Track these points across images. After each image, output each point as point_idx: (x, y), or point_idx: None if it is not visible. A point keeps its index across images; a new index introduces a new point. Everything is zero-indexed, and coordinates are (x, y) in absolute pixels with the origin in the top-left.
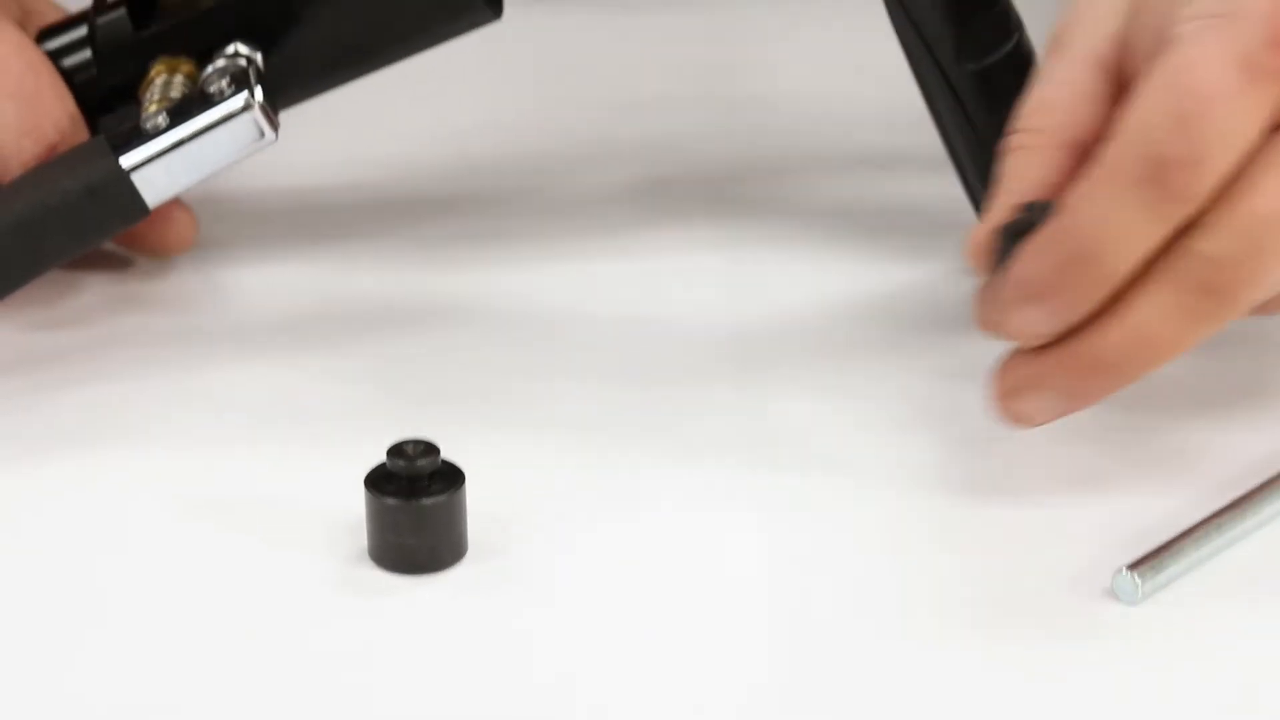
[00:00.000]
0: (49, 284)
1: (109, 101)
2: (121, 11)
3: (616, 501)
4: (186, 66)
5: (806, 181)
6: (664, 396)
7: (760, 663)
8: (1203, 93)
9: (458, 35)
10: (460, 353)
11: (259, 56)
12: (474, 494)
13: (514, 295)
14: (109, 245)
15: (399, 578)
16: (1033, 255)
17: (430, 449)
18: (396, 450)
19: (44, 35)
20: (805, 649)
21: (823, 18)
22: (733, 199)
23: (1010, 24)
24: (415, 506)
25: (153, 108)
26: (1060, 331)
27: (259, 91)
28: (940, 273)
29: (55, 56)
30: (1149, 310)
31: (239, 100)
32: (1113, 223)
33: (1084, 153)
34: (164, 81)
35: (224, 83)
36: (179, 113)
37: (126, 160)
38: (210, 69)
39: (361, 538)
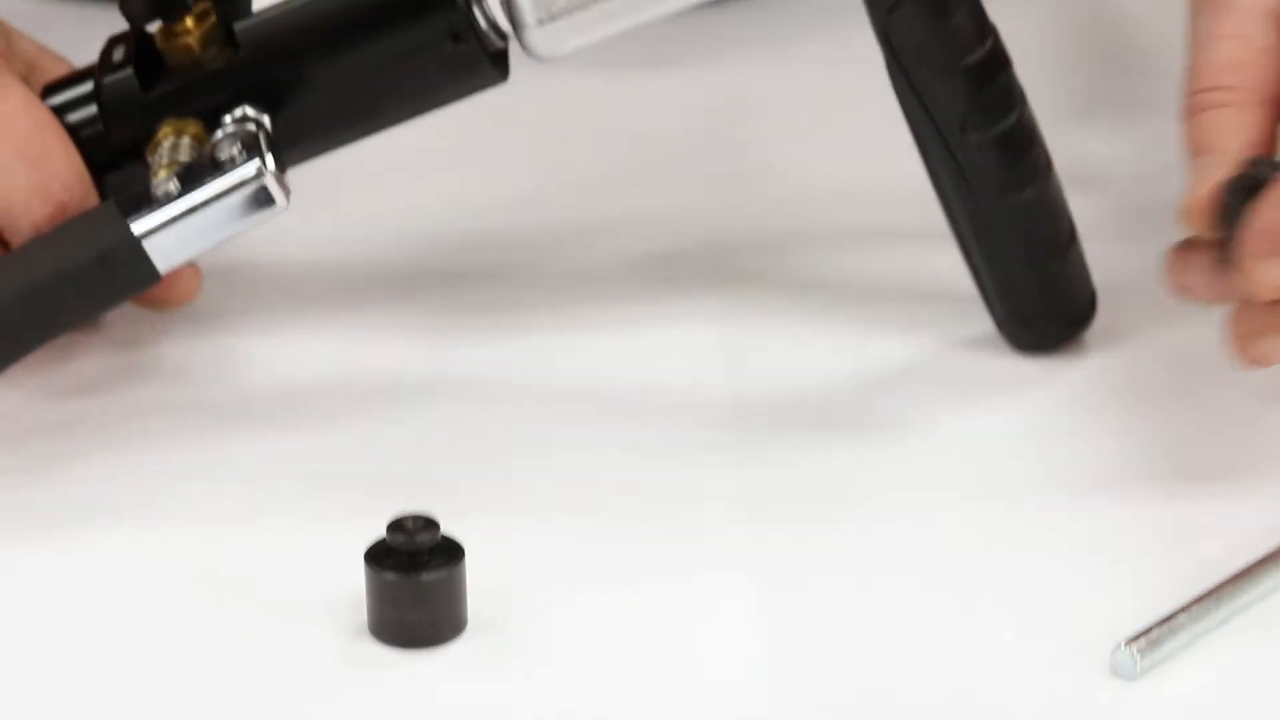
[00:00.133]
0: (56, 350)
1: (115, 159)
2: (129, 72)
3: (616, 576)
4: (194, 128)
5: (807, 253)
6: (663, 470)
7: None
8: None
9: (465, 97)
10: (460, 426)
11: (267, 119)
12: (473, 568)
13: (514, 367)
14: None
15: (399, 652)
16: (1274, 209)
17: (430, 524)
18: (396, 525)
19: (49, 90)
20: None
21: (827, 87)
22: (733, 270)
23: (1014, 96)
24: (415, 582)
25: (162, 172)
26: None
27: (270, 159)
28: (941, 344)
29: (61, 113)
30: None
31: (251, 168)
32: None
33: (1276, 107)
34: (171, 144)
35: (235, 149)
36: (190, 179)
37: (138, 227)
38: (220, 134)
39: (362, 612)
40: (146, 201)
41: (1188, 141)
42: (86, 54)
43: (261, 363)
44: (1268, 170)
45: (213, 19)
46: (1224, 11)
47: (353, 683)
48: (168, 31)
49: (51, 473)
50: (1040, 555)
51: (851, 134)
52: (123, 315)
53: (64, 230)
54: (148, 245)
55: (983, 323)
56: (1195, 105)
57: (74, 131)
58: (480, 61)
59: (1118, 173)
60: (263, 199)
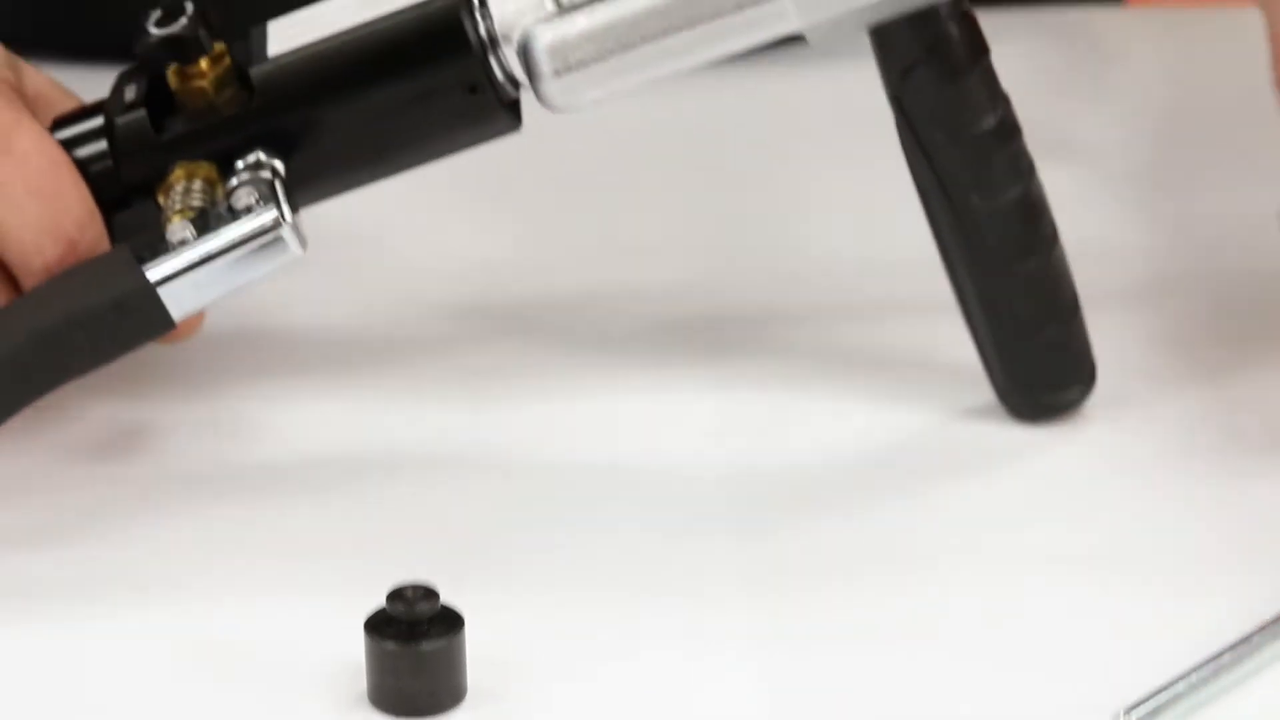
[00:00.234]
0: (54, 410)
1: (125, 198)
2: (142, 113)
3: (615, 647)
4: (207, 170)
5: (806, 321)
6: (662, 541)
7: None
8: None
9: (478, 144)
10: (459, 495)
11: (280, 165)
12: (473, 638)
13: (513, 436)
14: None
15: None
16: None
17: (430, 594)
18: (396, 595)
19: (60, 124)
20: None
21: (833, 151)
22: (734, 339)
23: (1023, 166)
24: (414, 651)
25: (176, 218)
26: None
27: (287, 207)
28: (941, 413)
29: (73, 149)
30: None
31: (269, 216)
32: None
33: None
34: (184, 187)
35: (252, 197)
36: (205, 225)
37: (154, 274)
38: (236, 180)
39: (362, 681)
40: (160, 245)
41: None
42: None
43: (260, 429)
44: None
45: (227, 61)
46: None
47: None
48: (182, 73)
49: (47, 539)
50: (1041, 625)
51: (854, 201)
52: (123, 375)
53: (78, 275)
54: (163, 292)
55: (983, 392)
56: None
57: (85, 169)
58: (496, 111)
59: (1120, 244)
60: (280, 248)
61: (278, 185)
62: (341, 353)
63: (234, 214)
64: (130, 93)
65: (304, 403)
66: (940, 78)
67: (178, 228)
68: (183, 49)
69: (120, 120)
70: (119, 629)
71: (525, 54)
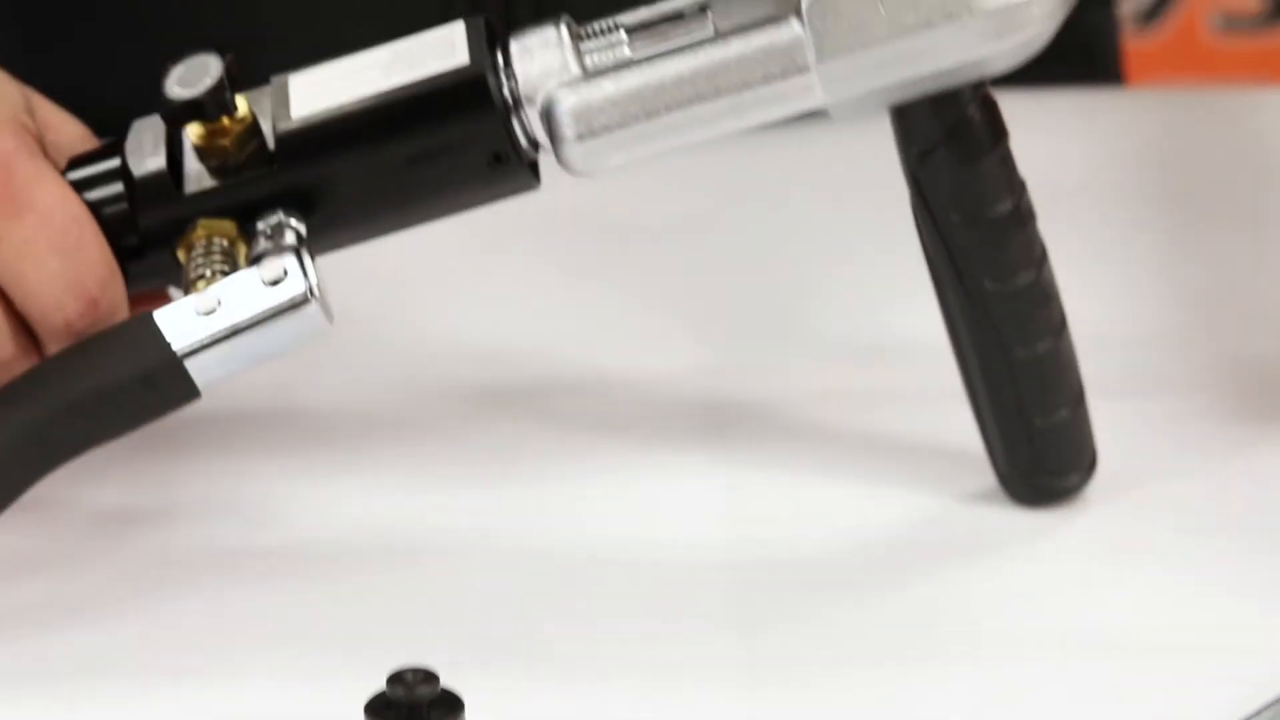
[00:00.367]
0: (74, 488)
1: (141, 247)
2: (163, 168)
3: None
4: (228, 229)
5: (812, 407)
6: (664, 627)
7: None
8: None
9: (498, 200)
10: (459, 579)
11: (303, 227)
12: None
13: (514, 520)
14: None
15: None
16: None
17: (430, 677)
18: (396, 678)
19: (74, 165)
20: None
21: (841, 231)
22: (739, 425)
23: (1036, 251)
24: None
25: (201, 284)
26: None
27: (315, 280)
28: (941, 498)
29: (89, 195)
30: None
31: (299, 290)
32: None
33: None
34: (205, 247)
35: (280, 268)
36: (234, 294)
37: (180, 346)
38: (260, 245)
39: None
40: (189, 317)
41: None
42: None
43: (265, 510)
44: None
45: (250, 119)
46: None
47: None
48: (205, 130)
49: (57, 618)
50: (1046, 709)
51: (861, 282)
52: (135, 453)
53: (103, 345)
54: (190, 364)
55: (984, 475)
56: None
57: (102, 218)
58: (517, 173)
59: (1122, 329)
60: (309, 321)
61: (304, 255)
62: (349, 433)
63: (262, 284)
64: (149, 144)
65: (308, 483)
66: (959, 161)
67: (205, 298)
68: (207, 111)
69: (140, 174)
70: (124, 710)
71: (549, 117)
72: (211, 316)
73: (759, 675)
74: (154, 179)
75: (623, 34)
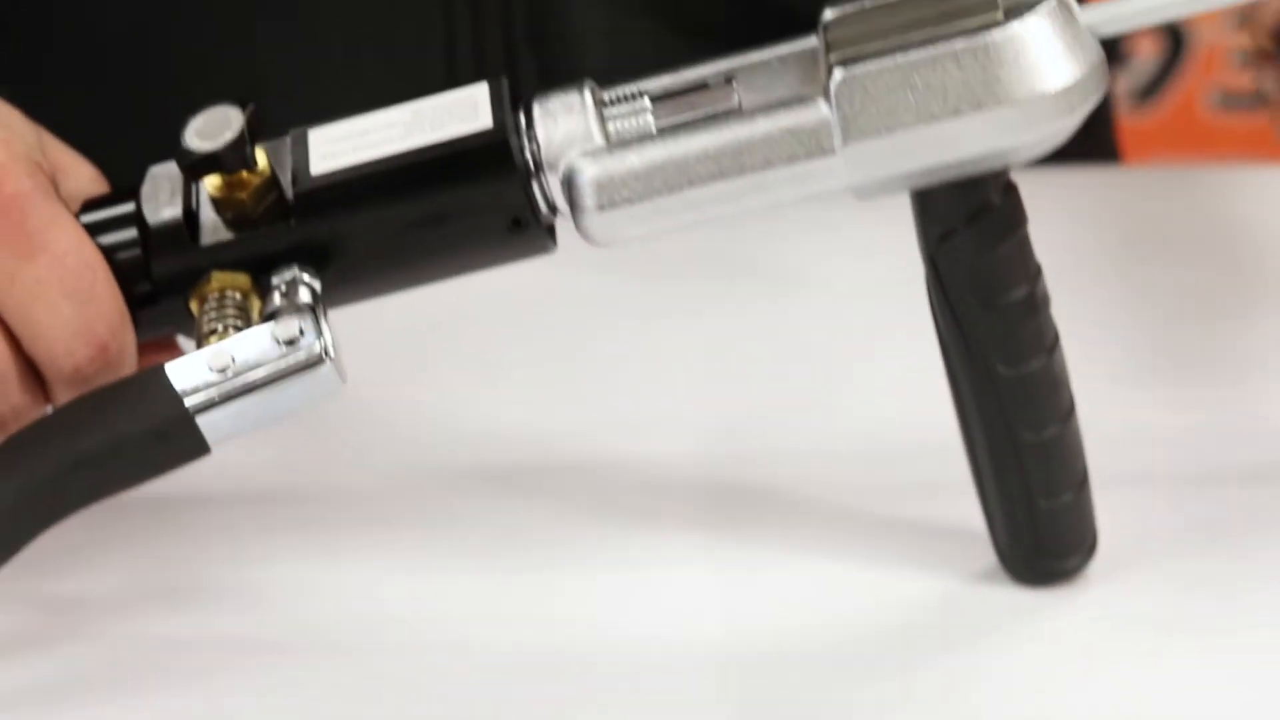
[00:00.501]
0: (67, 568)
1: (153, 295)
2: (179, 219)
3: None
4: (243, 282)
5: (804, 486)
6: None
7: None
8: None
9: (515, 261)
10: (456, 665)
11: (318, 284)
12: None
13: (510, 607)
14: None
15: None
16: None
17: None
18: None
19: (89, 208)
20: None
21: (849, 312)
22: (736, 510)
23: (1049, 337)
24: None
25: (214, 338)
26: None
27: (331, 341)
28: (941, 578)
29: (102, 242)
30: None
31: (314, 350)
32: None
33: None
34: (218, 299)
35: (296, 327)
36: (248, 352)
37: (193, 402)
38: (275, 302)
39: None
40: (201, 372)
41: None
42: None
43: (258, 595)
44: None
45: (269, 173)
46: None
47: None
48: (223, 182)
49: (40, 702)
50: None
51: (860, 367)
52: (131, 531)
53: (114, 397)
54: (201, 421)
55: (984, 556)
56: None
57: (114, 264)
58: (535, 236)
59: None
60: (324, 382)
61: (319, 315)
62: (345, 515)
63: (277, 343)
64: (165, 192)
65: (304, 566)
66: (979, 245)
67: (218, 354)
68: (226, 164)
69: (155, 222)
70: None
71: (570, 185)
72: (225, 373)
73: None
74: (169, 228)
75: (646, 101)
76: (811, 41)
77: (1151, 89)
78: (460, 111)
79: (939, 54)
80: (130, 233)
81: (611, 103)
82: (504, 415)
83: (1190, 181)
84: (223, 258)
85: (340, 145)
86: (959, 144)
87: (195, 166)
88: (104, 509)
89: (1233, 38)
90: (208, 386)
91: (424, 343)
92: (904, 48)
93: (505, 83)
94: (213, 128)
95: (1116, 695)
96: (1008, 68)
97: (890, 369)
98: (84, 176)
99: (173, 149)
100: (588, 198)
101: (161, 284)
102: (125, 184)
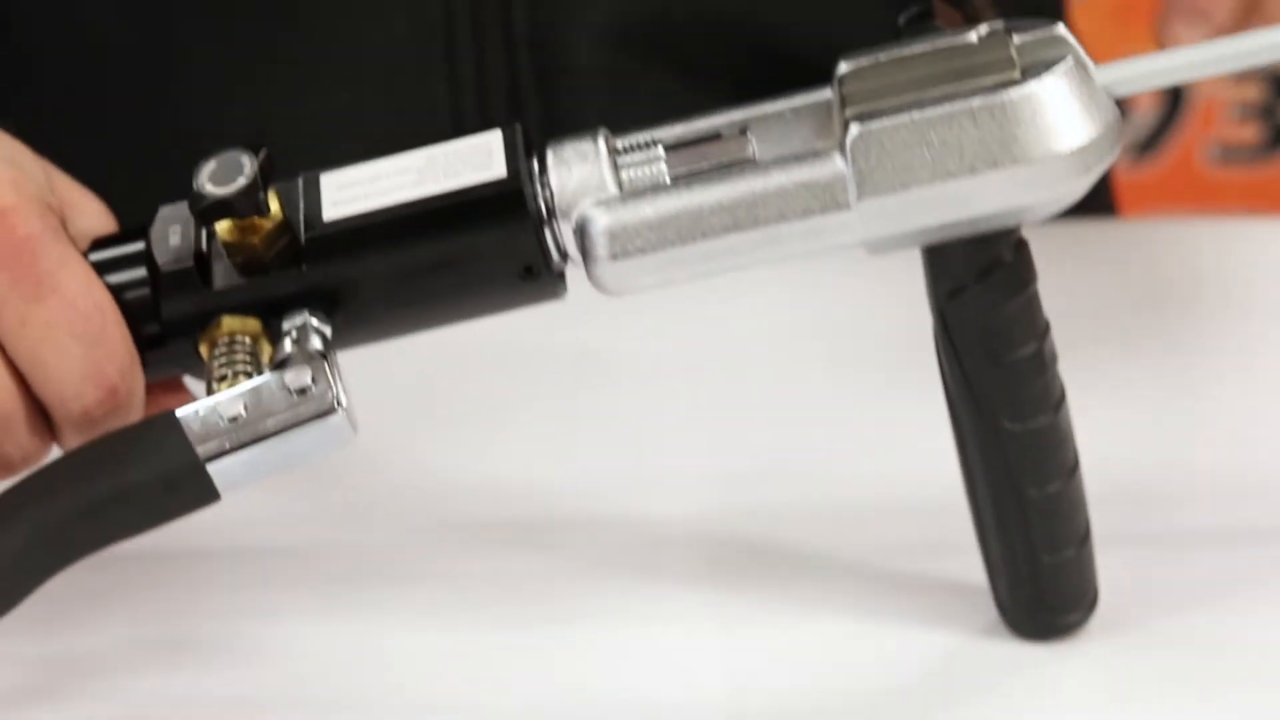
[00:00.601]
0: (60, 622)
1: (161, 337)
2: (190, 264)
3: None
4: (252, 324)
5: (804, 543)
6: None
7: None
8: None
9: (525, 306)
10: None
11: (329, 330)
12: None
13: (509, 662)
14: None
15: None
16: None
17: None
18: None
19: (97, 246)
20: None
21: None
22: (738, 566)
23: (1055, 394)
24: None
25: (224, 384)
26: None
27: (343, 392)
28: (942, 633)
29: (113, 285)
30: None
31: (326, 401)
32: None
33: None
34: (228, 343)
35: (308, 376)
36: (259, 400)
37: (204, 450)
38: (287, 349)
39: None
40: (213, 420)
41: None
42: None
43: (256, 650)
44: None
45: (281, 217)
46: None
47: None
48: (234, 226)
49: None
50: None
51: (861, 423)
52: (130, 587)
53: (124, 442)
54: (212, 469)
55: (985, 610)
56: None
57: (124, 305)
58: (547, 283)
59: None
60: (335, 432)
61: (331, 364)
62: (344, 571)
63: (288, 392)
64: (176, 234)
65: (302, 620)
66: (988, 302)
67: (230, 402)
68: (238, 210)
69: (165, 265)
70: None
71: (582, 234)
72: (236, 422)
73: None
74: (180, 271)
75: (660, 150)
76: (825, 93)
77: (1150, 143)
78: (474, 159)
79: (956, 111)
80: (140, 274)
81: (625, 151)
82: (505, 471)
83: (1189, 234)
84: (233, 301)
85: (353, 191)
86: (974, 202)
87: (208, 212)
88: (103, 561)
89: (1231, 92)
90: (219, 435)
91: (426, 398)
92: (920, 104)
93: (519, 130)
94: (226, 172)
95: None
96: (1024, 126)
97: (891, 426)
98: (92, 212)
99: (179, 191)
100: (600, 247)
101: (171, 326)
102: (134, 223)
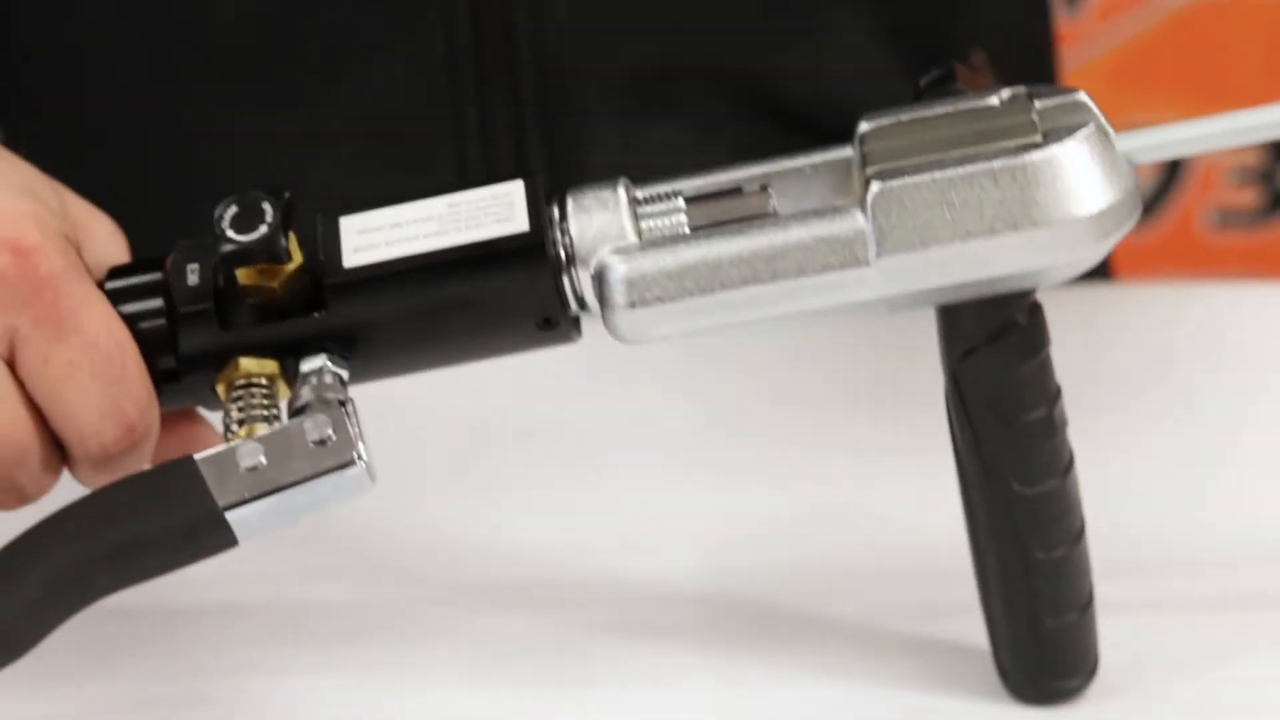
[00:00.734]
0: (64, 682)
1: (177, 373)
2: (209, 305)
3: None
4: (270, 366)
5: (803, 605)
6: None
7: None
8: None
9: (540, 349)
10: None
11: (346, 374)
12: None
13: None
14: None
15: None
16: None
17: None
18: None
19: (115, 275)
20: None
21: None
22: (734, 630)
23: (1064, 459)
24: None
25: (242, 430)
26: None
27: (362, 444)
28: (942, 697)
29: (131, 321)
30: None
31: (345, 454)
32: None
33: None
34: (246, 386)
35: (328, 428)
36: (279, 450)
37: (224, 499)
38: (305, 396)
39: None
40: (232, 469)
41: None
42: None
43: (249, 707)
44: None
45: (300, 261)
46: None
47: None
48: (254, 271)
49: None
50: None
51: (863, 484)
52: (121, 646)
53: (144, 489)
54: (231, 517)
55: (986, 673)
56: None
57: (141, 342)
58: (563, 332)
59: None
60: (354, 482)
61: (350, 412)
62: (338, 628)
63: (309, 443)
64: (194, 275)
65: (294, 678)
66: (1001, 364)
67: (249, 451)
68: (260, 259)
69: (184, 305)
70: None
71: (601, 281)
72: (256, 471)
73: None
74: (198, 311)
75: (680, 201)
76: (845, 151)
77: (1149, 207)
78: (496, 210)
79: (977, 172)
80: (159, 314)
81: (645, 201)
82: (506, 532)
83: (1188, 298)
84: (251, 342)
85: (373, 237)
86: (993, 262)
87: (230, 259)
88: (109, 616)
89: (1230, 157)
90: (239, 484)
91: (428, 459)
92: (942, 164)
93: (541, 180)
94: (248, 219)
95: None
96: (1045, 189)
97: (891, 486)
98: (104, 234)
99: (182, 229)
100: (618, 295)
101: (187, 363)
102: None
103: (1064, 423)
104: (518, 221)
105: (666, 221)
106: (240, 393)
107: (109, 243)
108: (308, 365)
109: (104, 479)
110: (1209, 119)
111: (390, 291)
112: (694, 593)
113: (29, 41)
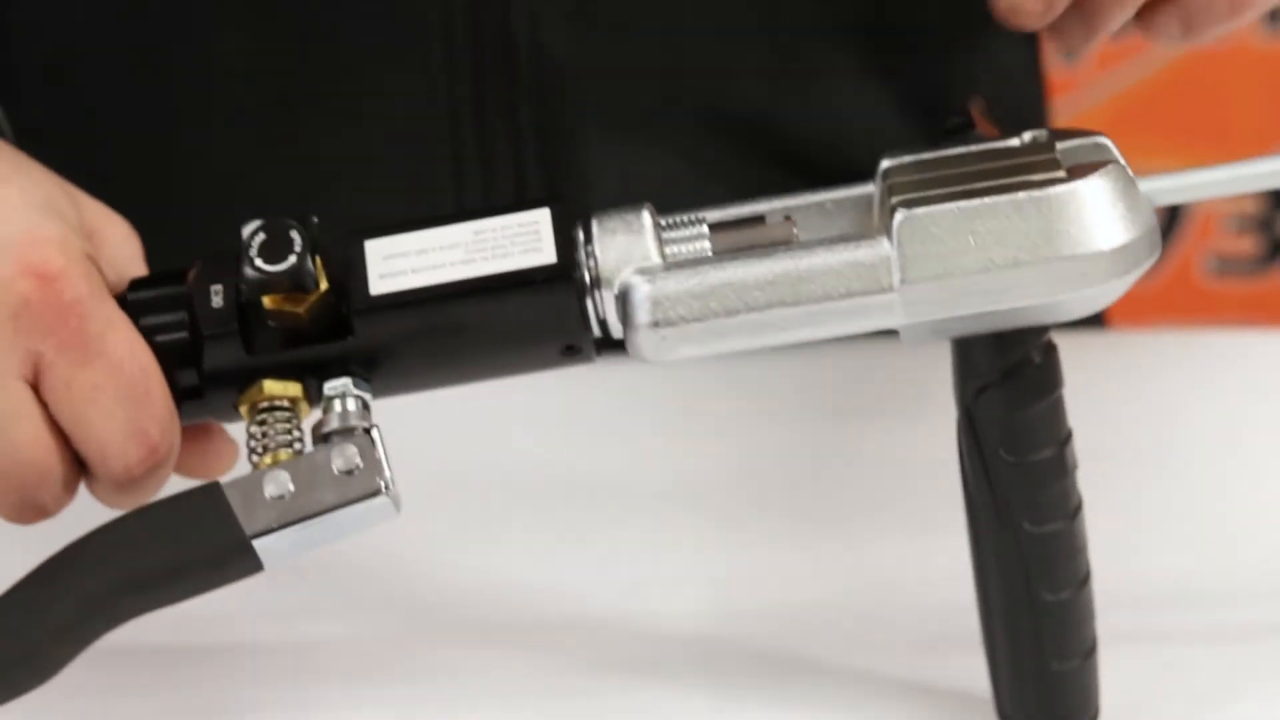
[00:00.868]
0: (99, 713)
1: (199, 391)
2: (234, 329)
3: None
4: (293, 388)
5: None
6: None
7: None
8: None
9: (559, 368)
10: None
11: (369, 397)
12: None
13: None
14: None
15: None
16: None
17: None
18: None
19: (136, 287)
20: None
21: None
22: (732, 671)
23: (1073, 500)
24: None
25: (268, 458)
26: None
27: (389, 472)
28: None
29: (150, 328)
30: None
31: (372, 484)
32: None
33: None
34: (269, 409)
35: (355, 458)
36: (306, 479)
37: (251, 527)
38: (331, 423)
39: None
40: (259, 496)
41: None
42: None
43: None
44: None
45: (325, 287)
46: None
47: None
48: (281, 297)
49: None
50: None
51: (864, 524)
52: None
53: (172, 517)
54: (258, 544)
55: (986, 718)
56: None
57: (164, 362)
58: (584, 354)
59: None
60: (380, 511)
61: (376, 441)
62: (341, 669)
63: (335, 472)
64: (218, 297)
65: (312, 715)
66: (1015, 401)
67: (276, 480)
68: (289, 287)
69: (208, 326)
70: None
71: (624, 301)
72: (283, 500)
73: None
74: (222, 335)
75: (704, 228)
76: (867, 188)
77: None
78: (524, 239)
79: (1002, 203)
80: (183, 335)
81: (669, 226)
82: (503, 572)
83: (1187, 346)
84: (274, 364)
85: (399, 264)
86: (1014, 293)
87: (258, 286)
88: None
89: (1229, 204)
90: (266, 513)
91: (424, 498)
92: (967, 194)
93: (568, 208)
94: (276, 247)
95: None
96: (1068, 222)
97: (893, 528)
98: (120, 237)
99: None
100: (642, 314)
101: (210, 383)
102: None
103: (1075, 465)
104: (545, 253)
105: (691, 247)
106: (264, 415)
107: (125, 245)
108: (331, 387)
109: (124, 497)
110: (1231, 165)
111: (416, 320)
112: (696, 634)
113: (30, 89)
